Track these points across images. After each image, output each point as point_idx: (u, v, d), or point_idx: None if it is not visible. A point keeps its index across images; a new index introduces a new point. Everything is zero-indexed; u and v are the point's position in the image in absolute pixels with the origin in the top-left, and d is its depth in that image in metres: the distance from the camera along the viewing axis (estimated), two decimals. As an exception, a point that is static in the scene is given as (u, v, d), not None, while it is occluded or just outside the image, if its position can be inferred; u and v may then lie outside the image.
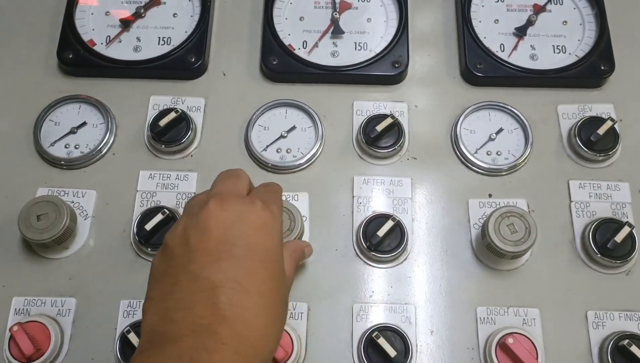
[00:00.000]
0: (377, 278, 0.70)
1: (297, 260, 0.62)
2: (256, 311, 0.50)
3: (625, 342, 0.63)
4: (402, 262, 0.70)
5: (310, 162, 0.75)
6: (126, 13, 0.82)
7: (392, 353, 0.63)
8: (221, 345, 0.47)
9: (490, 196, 0.73)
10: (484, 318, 0.68)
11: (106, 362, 0.65)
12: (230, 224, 0.52)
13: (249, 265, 0.51)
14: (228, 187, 0.57)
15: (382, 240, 0.68)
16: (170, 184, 0.74)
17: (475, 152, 0.75)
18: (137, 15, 0.82)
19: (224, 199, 0.54)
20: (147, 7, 0.83)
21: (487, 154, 0.75)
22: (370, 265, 0.70)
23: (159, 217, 0.69)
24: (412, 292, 0.69)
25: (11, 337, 0.64)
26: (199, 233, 0.52)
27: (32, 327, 0.65)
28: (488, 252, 0.69)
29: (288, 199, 0.72)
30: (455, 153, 0.76)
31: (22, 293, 0.68)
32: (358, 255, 0.71)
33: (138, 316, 0.67)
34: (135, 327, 0.64)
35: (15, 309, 0.67)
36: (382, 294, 0.69)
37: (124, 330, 0.64)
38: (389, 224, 0.68)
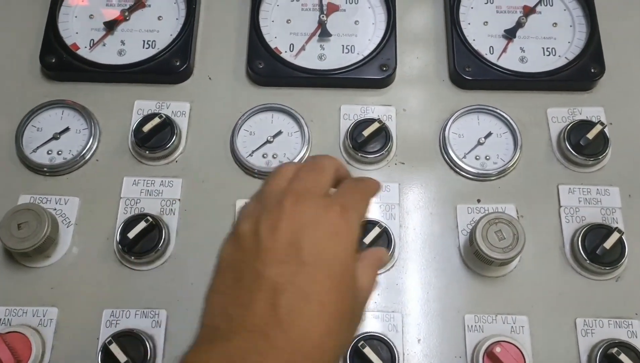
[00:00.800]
0: (363, 285, 0.69)
1: (375, 269, 0.57)
2: (315, 320, 0.47)
3: (614, 350, 0.63)
4: (389, 269, 0.70)
5: (296, 167, 0.74)
6: (112, 15, 0.81)
7: (377, 362, 0.62)
8: (273, 350, 0.45)
9: (479, 201, 0.72)
10: (471, 326, 0.67)
11: (88, 373, 0.65)
12: (301, 227, 0.49)
13: (315, 273, 0.48)
14: (308, 183, 0.53)
15: (368, 247, 0.67)
16: (154, 191, 0.73)
17: (464, 156, 0.74)
18: (123, 14, 0.81)
19: (300, 199, 0.51)
20: (131, 9, 0.81)
21: (476, 158, 0.74)
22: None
23: (142, 225, 0.67)
24: (398, 300, 0.68)
25: (-9, 349, 0.63)
26: (269, 231, 0.49)
27: (13, 337, 0.64)
28: (476, 259, 0.68)
29: (274, 205, 0.71)
30: (444, 158, 0.75)
31: (2, 303, 0.67)
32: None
33: (121, 325, 0.66)
34: (118, 337, 0.63)
35: (-4, 319, 0.67)
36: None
37: (106, 341, 0.63)
38: (375, 231, 0.68)
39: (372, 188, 0.58)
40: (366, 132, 0.72)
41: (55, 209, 0.71)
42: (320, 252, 0.49)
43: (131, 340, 0.64)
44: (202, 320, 0.49)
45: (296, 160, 0.73)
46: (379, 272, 0.59)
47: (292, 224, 0.50)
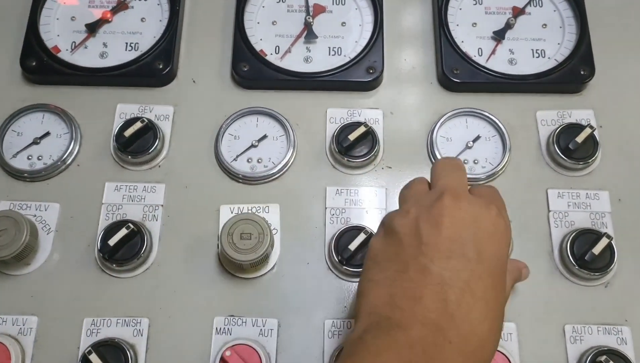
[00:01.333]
0: (350, 292, 0.68)
1: (515, 279, 0.59)
2: (481, 317, 0.48)
3: (603, 357, 0.62)
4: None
5: (281, 172, 0.73)
6: (96, 15, 0.80)
7: None
8: (448, 343, 0.46)
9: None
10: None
11: (68, 383, 0.63)
12: (464, 224, 0.50)
13: (479, 270, 0.49)
14: (459, 182, 0.55)
15: (354, 253, 0.66)
16: (137, 196, 0.71)
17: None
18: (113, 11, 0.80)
19: (459, 196, 0.52)
20: (114, 11, 0.80)
21: (464, 163, 0.73)
22: (343, 279, 0.68)
23: (123, 232, 0.66)
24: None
25: (-32, 359, 0.62)
26: (431, 227, 0.50)
27: (-9, 348, 0.63)
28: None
29: (258, 211, 0.70)
30: (432, 162, 0.73)
31: (-19, 312, 0.66)
32: (330, 269, 0.69)
33: (102, 334, 0.65)
34: (98, 346, 0.62)
35: (-26, 329, 0.65)
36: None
37: (85, 351, 0.61)
38: (361, 237, 0.66)
39: (495, 189, 0.59)
40: (352, 136, 0.71)
41: (35, 215, 0.70)
42: (482, 250, 0.50)
43: (112, 349, 0.63)
44: (361, 309, 0.50)
45: (281, 165, 0.72)
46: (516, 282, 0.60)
47: (455, 220, 0.50)
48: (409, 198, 0.56)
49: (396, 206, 0.71)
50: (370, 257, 0.53)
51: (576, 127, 0.72)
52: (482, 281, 0.49)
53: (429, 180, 0.58)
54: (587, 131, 0.71)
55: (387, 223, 0.53)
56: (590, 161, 0.72)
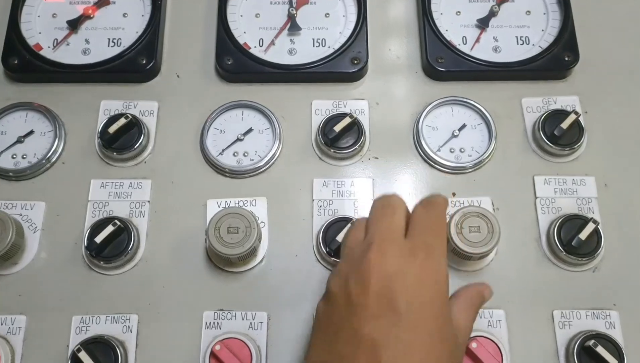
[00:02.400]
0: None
1: (477, 305, 0.57)
2: None
3: (592, 342, 0.62)
4: (364, 266, 0.69)
5: (268, 165, 0.72)
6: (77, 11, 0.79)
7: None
8: None
9: (454, 194, 0.71)
10: (448, 321, 0.66)
11: (58, 382, 0.63)
12: (391, 278, 0.50)
13: (411, 323, 0.49)
14: (386, 229, 0.54)
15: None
16: (123, 193, 0.71)
17: (438, 150, 0.73)
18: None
19: (384, 248, 0.51)
20: (97, 6, 0.79)
21: (451, 151, 0.73)
22: (331, 271, 0.68)
23: (109, 229, 0.66)
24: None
25: (-44, 359, 0.62)
26: (359, 285, 0.50)
27: (-21, 347, 0.62)
28: (452, 254, 0.67)
29: (245, 205, 0.70)
30: (418, 151, 0.73)
31: (-31, 313, 0.66)
32: (319, 261, 0.69)
33: (91, 332, 0.65)
34: (87, 344, 0.62)
35: (-37, 329, 0.65)
36: (344, 300, 0.67)
37: (75, 349, 0.61)
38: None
39: (441, 207, 0.57)
40: (337, 128, 0.71)
41: (21, 214, 0.69)
42: (412, 301, 0.49)
43: (101, 346, 0.63)
44: None
45: (267, 158, 0.72)
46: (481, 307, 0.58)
47: (380, 276, 0.50)
48: (345, 251, 0.56)
49: (382, 192, 0.72)
50: (316, 319, 0.53)
51: (561, 114, 0.73)
52: (417, 334, 0.49)
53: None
54: (572, 117, 0.71)
55: (327, 284, 0.53)
56: (576, 147, 0.72)
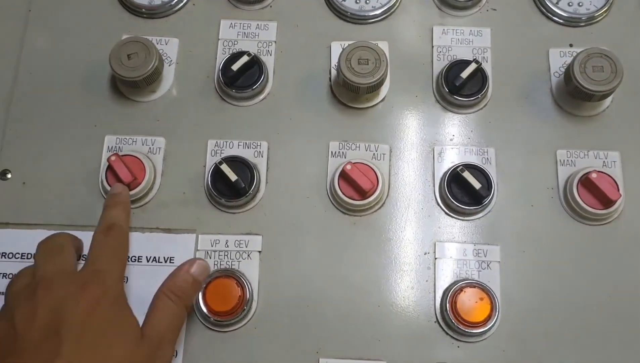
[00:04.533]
0: (457, 123, 0.71)
1: (188, 301, 0.60)
2: None
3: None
4: (482, 108, 0.71)
5: (389, 12, 0.75)
6: None
7: (476, 185, 0.65)
8: None
9: (571, 45, 0.73)
10: (563, 160, 0.69)
11: (196, 195, 0.68)
12: (59, 310, 0.52)
13: (78, 343, 0.50)
14: (54, 267, 0.56)
15: (464, 82, 0.69)
16: (251, 33, 0.74)
17: (557, 2, 0.74)
18: None
19: (51, 283, 0.54)
20: None
21: (569, 5, 0.74)
22: (450, 111, 0.71)
23: (244, 59, 0.70)
24: (491, 136, 0.70)
25: (108, 168, 0.67)
26: (25, 322, 0.51)
27: (128, 159, 0.67)
28: (570, 98, 0.69)
29: (369, 46, 0.73)
30: (536, 3, 0.75)
31: (113, 133, 0.71)
32: (438, 101, 0.71)
33: (226, 154, 0.69)
34: (228, 161, 0.66)
35: (108, 146, 0.70)
36: (463, 137, 0.70)
37: (217, 162, 0.66)
38: (472, 67, 0.69)
39: (122, 230, 0.61)
40: (461, -26, 0.73)
41: (156, 48, 0.74)
42: (82, 325, 0.51)
43: (238, 164, 0.67)
44: None
45: (389, 4, 0.74)
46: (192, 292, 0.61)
47: (50, 307, 0.52)
48: (9, 297, 0.56)
49: (502, 47, 0.74)
50: None
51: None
52: (86, 352, 0.50)
53: None
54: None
55: None
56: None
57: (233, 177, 0.65)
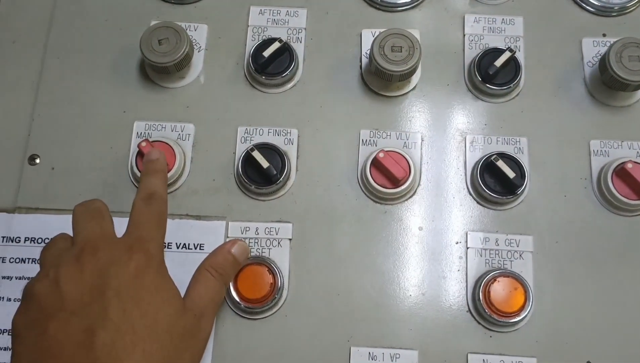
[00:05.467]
0: (489, 111, 0.70)
1: (227, 278, 0.60)
2: (133, 353, 0.49)
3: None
4: (514, 97, 0.70)
5: (420, 0, 0.74)
6: None
7: (511, 174, 0.64)
8: None
9: (604, 35, 0.72)
10: (597, 151, 0.68)
11: (226, 182, 0.68)
12: (102, 273, 0.51)
13: (124, 307, 0.50)
14: (95, 231, 0.56)
15: (498, 71, 0.68)
16: (280, 20, 0.74)
17: (588, -9, 0.74)
18: None
19: (95, 248, 0.53)
20: None
21: (601, -6, 0.74)
22: (482, 100, 0.70)
23: (276, 45, 0.69)
24: (524, 126, 0.69)
25: (139, 153, 0.66)
26: (71, 284, 0.51)
27: (158, 145, 0.67)
28: (603, 88, 0.69)
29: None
30: (567, -8, 0.74)
31: (142, 118, 0.70)
32: (470, 90, 0.71)
33: (255, 141, 0.69)
34: (259, 147, 0.66)
35: (137, 132, 0.69)
36: (495, 127, 0.70)
37: (249, 149, 0.65)
38: (506, 55, 0.68)
39: (162, 200, 0.59)
40: (494, -38, 0.72)
41: (185, 34, 0.73)
42: (125, 290, 0.51)
43: (269, 151, 0.67)
44: None
45: (420, -7, 0.74)
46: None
47: (96, 270, 0.51)
48: (48, 258, 0.55)
49: (536, 37, 0.73)
50: (13, 334, 0.51)
51: None
52: (130, 314, 0.50)
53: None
54: None
55: (25, 290, 0.53)
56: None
57: (265, 164, 0.65)
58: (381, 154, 0.65)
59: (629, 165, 0.64)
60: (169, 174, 0.66)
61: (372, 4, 0.74)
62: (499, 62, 0.68)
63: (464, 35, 0.73)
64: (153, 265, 0.54)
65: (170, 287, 0.55)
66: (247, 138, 0.69)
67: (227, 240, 0.63)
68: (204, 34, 0.74)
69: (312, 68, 0.72)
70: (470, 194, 0.67)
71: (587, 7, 0.73)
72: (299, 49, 0.73)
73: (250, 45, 0.72)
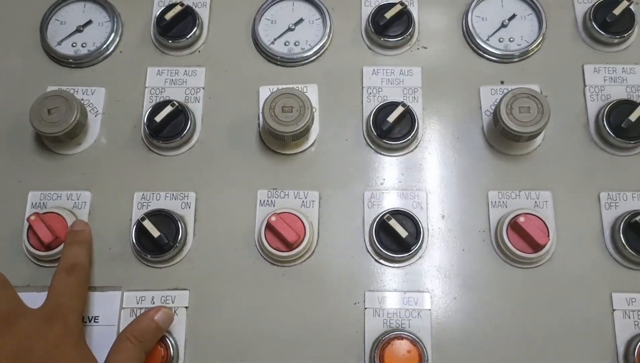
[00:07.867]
0: (388, 166, 0.70)
1: (148, 346, 0.60)
2: None
3: (638, 217, 0.63)
4: (412, 150, 0.70)
5: (318, 54, 0.74)
6: None
7: (403, 234, 0.63)
8: None
9: (502, 83, 0.72)
10: (495, 202, 0.68)
11: (123, 250, 0.67)
12: (23, 343, 0.53)
13: None
14: (7, 301, 0.58)
15: (392, 126, 0.68)
16: (178, 80, 0.73)
17: (487, 39, 0.73)
18: None
19: (10, 320, 0.55)
20: None
21: (500, 41, 0.74)
22: (381, 154, 0.70)
23: (168, 109, 0.69)
24: (423, 179, 0.69)
25: (29, 228, 0.65)
26: None
27: (49, 217, 0.66)
28: (501, 137, 0.68)
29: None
30: (467, 41, 0.74)
31: (37, 188, 0.69)
32: (369, 144, 0.70)
33: (152, 206, 0.68)
34: (150, 215, 0.65)
35: (32, 203, 0.68)
36: (393, 181, 0.69)
37: (139, 218, 0.65)
38: (399, 110, 0.68)
39: (83, 270, 0.62)
40: (388, 15, 0.72)
41: (82, 99, 0.72)
42: (47, 359, 0.53)
43: (163, 218, 0.66)
44: None
45: (318, 47, 0.73)
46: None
47: (17, 341, 0.53)
48: None
49: (434, 86, 0.73)
50: None
51: (613, 2, 0.72)
52: None
53: None
54: (625, 4, 0.71)
55: None
56: (626, 35, 0.72)
57: (156, 233, 0.64)
58: (273, 218, 0.64)
59: (521, 219, 0.63)
60: (60, 247, 0.65)
61: (271, 60, 0.74)
62: (392, 117, 0.67)
63: (363, 88, 0.72)
64: (72, 335, 0.55)
65: (89, 357, 0.55)
66: (144, 204, 0.68)
67: (150, 307, 0.63)
68: (101, 97, 0.73)
69: (210, 128, 0.72)
70: (369, 252, 0.66)
71: (486, 55, 0.73)
72: (197, 108, 0.72)
73: (148, 107, 0.71)
